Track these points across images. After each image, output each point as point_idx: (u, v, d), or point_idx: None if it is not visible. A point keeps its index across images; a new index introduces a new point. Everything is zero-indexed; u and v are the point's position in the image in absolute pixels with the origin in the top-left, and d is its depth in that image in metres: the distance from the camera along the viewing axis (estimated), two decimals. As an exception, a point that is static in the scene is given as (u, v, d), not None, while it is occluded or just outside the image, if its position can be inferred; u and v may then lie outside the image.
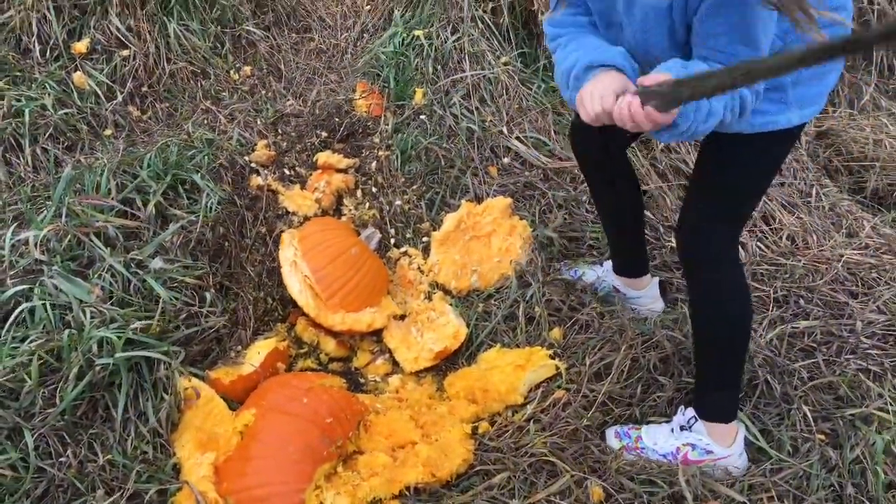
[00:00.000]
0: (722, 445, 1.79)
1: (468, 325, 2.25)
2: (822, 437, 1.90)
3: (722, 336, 1.76)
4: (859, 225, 2.56)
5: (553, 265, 2.42)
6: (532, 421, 1.95)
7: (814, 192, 2.65)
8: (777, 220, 2.51)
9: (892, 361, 2.07)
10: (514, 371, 2.05)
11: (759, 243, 2.45)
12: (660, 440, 1.84)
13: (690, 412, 1.84)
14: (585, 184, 2.65)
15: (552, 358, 2.08)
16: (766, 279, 2.34)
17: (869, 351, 2.10)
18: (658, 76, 1.29)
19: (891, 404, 1.94)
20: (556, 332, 2.17)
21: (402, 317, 2.35)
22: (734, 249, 1.75)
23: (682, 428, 1.83)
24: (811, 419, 1.92)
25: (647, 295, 2.26)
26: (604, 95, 1.36)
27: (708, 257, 1.71)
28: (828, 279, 2.31)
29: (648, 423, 1.94)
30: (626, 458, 1.84)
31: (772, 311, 2.24)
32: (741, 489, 1.76)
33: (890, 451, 1.83)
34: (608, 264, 2.30)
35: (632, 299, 2.27)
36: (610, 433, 1.91)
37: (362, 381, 2.19)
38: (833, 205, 2.63)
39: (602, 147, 1.94)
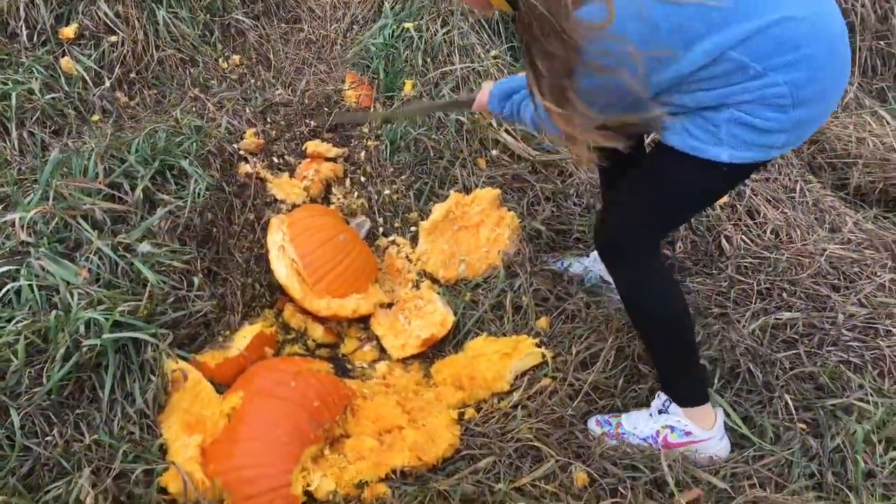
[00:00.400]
0: (701, 427, 1.82)
1: (455, 314, 2.26)
2: (803, 426, 1.93)
3: (654, 334, 1.83)
4: (842, 220, 2.60)
5: (540, 256, 2.44)
6: (518, 407, 1.97)
7: (798, 187, 2.68)
8: (762, 215, 2.54)
9: (872, 353, 2.10)
10: (500, 359, 2.06)
11: (743, 237, 2.47)
12: (640, 424, 1.87)
13: (665, 395, 1.87)
14: (575, 176, 2.68)
15: (539, 346, 2.09)
16: (750, 272, 2.37)
17: (850, 343, 2.13)
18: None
19: (871, 395, 1.97)
20: (543, 322, 2.19)
21: (390, 305, 2.35)
22: (658, 256, 1.80)
23: (659, 411, 1.86)
24: (792, 408, 1.95)
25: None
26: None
27: (639, 262, 1.76)
28: (811, 273, 2.34)
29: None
30: (608, 443, 1.86)
31: (755, 303, 2.26)
32: (724, 476, 1.78)
33: (870, 441, 1.86)
34: (594, 254, 2.33)
35: (618, 289, 2.29)
36: (591, 422, 1.93)
37: (349, 367, 2.20)
38: (817, 200, 2.67)
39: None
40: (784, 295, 2.29)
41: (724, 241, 2.47)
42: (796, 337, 2.15)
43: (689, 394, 1.84)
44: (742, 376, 2.02)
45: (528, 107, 1.80)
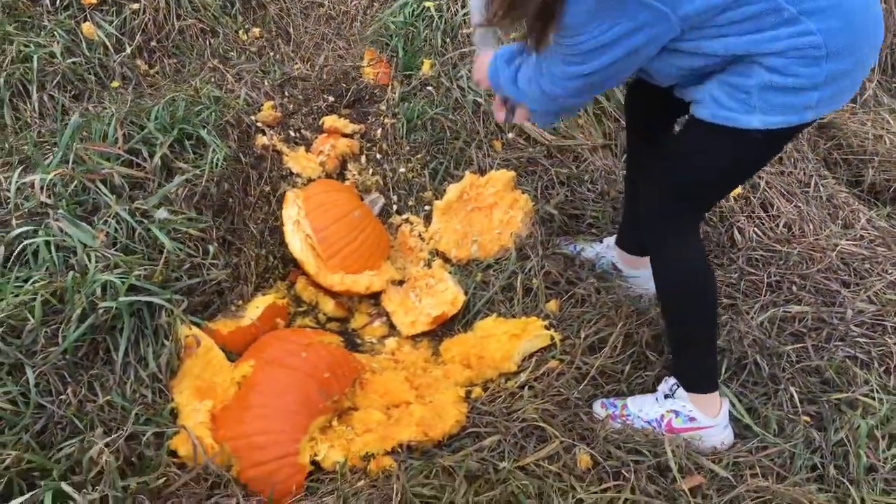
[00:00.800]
0: (706, 414, 1.83)
1: (466, 294, 2.28)
2: (808, 419, 1.95)
3: (682, 314, 1.83)
4: (855, 217, 2.60)
5: (553, 240, 2.45)
6: (525, 388, 1.98)
7: (812, 182, 2.68)
8: (775, 208, 2.55)
9: (879, 350, 2.11)
10: (509, 340, 2.07)
11: (756, 229, 2.48)
12: (645, 407, 1.88)
13: (673, 380, 1.88)
14: (589, 162, 2.68)
15: (547, 329, 2.11)
16: (761, 264, 2.38)
17: (857, 339, 2.14)
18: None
19: (877, 391, 1.98)
20: (553, 305, 2.20)
21: (401, 282, 2.37)
22: (686, 235, 1.78)
23: (665, 396, 1.87)
24: (797, 400, 1.96)
25: (643, 275, 2.28)
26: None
27: (661, 238, 1.77)
28: (821, 267, 2.35)
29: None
30: (612, 426, 1.88)
31: (765, 295, 2.27)
32: (727, 464, 1.80)
33: (873, 436, 1.87)
34: (608, 240, 2.33)
35: (629, 278, 2.30)
36: (597, 405, 1.95)
37: (359, 342, 2.22)
38: (831, 196, 2.67)
39: (650, 116, 1.98)
40: (794, 288, 2.29)
41: (736, 233, 2.47)
42: (804, 331, 2.16)
43: (701, 379, 1.85)
44: (749, 367, 2.04)
45: (528, 63, 1.66)
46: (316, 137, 2.72)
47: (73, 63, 2.65)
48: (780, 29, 1.39)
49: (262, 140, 2.55)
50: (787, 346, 2.10)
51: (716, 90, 1.51)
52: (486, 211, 2.47)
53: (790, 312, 2.19)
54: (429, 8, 3.08)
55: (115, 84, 2.70)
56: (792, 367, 2.05)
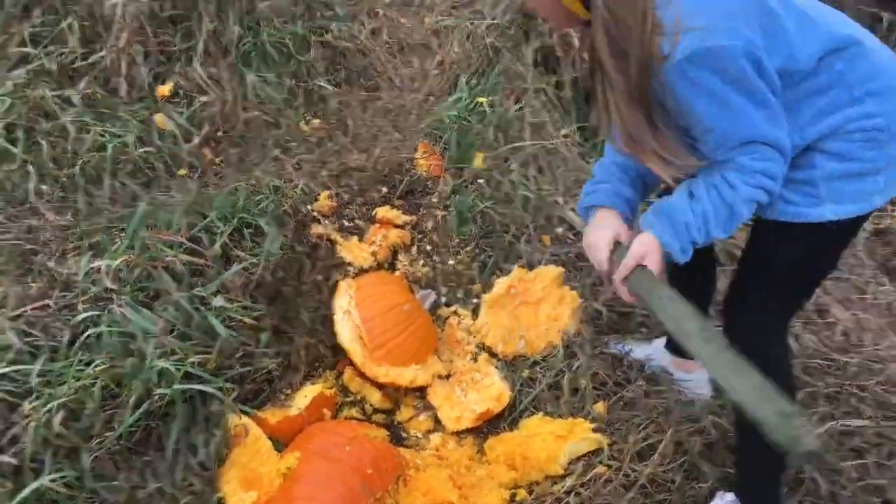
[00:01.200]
0: None
1: (512, 390, 2.26)
2: (869, 542, 1.86)
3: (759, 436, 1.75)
4: (915, 327, 2.53)
5: (601, 338, 2.43)
6: (571, 494, 1.94)
7: (870, 289, 2.63)
8: (832, 315, 2.50)
9: (944, 470, 2.02)
10: (555, 441, 2.05)
11: (812, 337, 2.42)
12: (699, 526, 1.82)
13: (730, 497, 1.81)
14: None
15: (595, 432, 2.07)
16: (817, 374, 2.31)
17: (921, 457, 2.06)
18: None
19: (942, 515, 1.89)
20: (600, 406, 2.17)
21: (448, 375, 2.37)
22: (777, 344, 1.72)
23: (721, 513, 1.81)
24: (858, 522, 1.88)
25: (696, 379, 2.24)
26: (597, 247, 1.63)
27: (748, 350, 1.70)
28: (881, 379, 2.28)
29: (687, 509, 1.92)
30: (664, 542, 1.82)
31: (822, 406, 2.20)
32: (783, 589, 1.72)
33: (938, 564, 1.78)
34: (658, 342, 2.31)
35: (680, 381, 2.25)
36: (647, 516, 1.89)
37: (404, 435, 2.21)
38: (889, 304, 2.60)
39: None
40: (853, 401, 2.22)
41: (792, 340, 2.42)
42: (865, 446, 2.08)
43: (761, 498, 1.79)
44: (806, 485, 1.96)
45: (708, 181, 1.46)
46: (369, 227, 2.79)
47: (145, 152, 2.79)
48: (849, 109, 1.41)
49: (317, 229, 2.62)
50: (847, 463, 2.02)
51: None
52: (534, 306, 2.48)
53: (850, 426, 2.12)
54: (482, 103, 3.18)
55: (182, 172, 2.83)
56: (852, 485, 1.97)
